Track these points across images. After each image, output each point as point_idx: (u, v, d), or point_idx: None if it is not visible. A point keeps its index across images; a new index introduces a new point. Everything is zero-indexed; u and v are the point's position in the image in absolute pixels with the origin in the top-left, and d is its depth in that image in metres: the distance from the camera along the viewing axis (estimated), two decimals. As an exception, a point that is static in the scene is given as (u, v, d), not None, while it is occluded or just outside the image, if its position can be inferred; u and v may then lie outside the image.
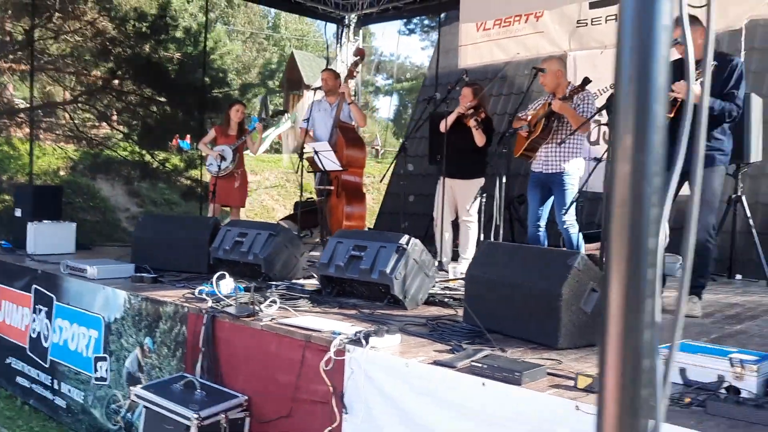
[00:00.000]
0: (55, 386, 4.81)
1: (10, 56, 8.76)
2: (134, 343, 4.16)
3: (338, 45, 10.11)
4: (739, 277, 6.29)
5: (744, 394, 2.26)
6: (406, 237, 3.94)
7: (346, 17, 9.97)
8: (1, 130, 11.05)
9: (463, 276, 3.95)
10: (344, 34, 10.04)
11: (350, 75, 6.56)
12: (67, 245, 6.10)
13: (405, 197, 9.56)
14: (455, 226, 6.03)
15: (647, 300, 0.44)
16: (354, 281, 4.06)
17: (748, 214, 5.90)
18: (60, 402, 4.75)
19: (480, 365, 2.54)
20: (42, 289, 5.02)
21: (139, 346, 4.12)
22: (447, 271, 5.36)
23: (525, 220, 5.88)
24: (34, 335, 5.08)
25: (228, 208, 7.09)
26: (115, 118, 10.71)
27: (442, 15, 10.55)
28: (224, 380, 3.56)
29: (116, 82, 9.28)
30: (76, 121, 10.22)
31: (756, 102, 5.90)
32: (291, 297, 4.02)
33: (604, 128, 7.53)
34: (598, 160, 4.53)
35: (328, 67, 7.60)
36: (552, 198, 5.32)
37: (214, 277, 3.85)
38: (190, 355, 3.75)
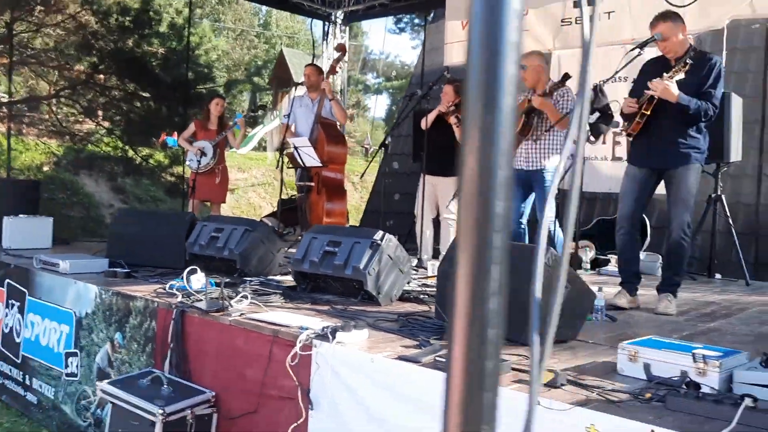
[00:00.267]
0: (27, 382, 4.75)
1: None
2: (105, 339, 4.11)
3: (324, 42, 10.07)
4: (718, 276, 6.29)
5: (706, 390, 2.25)
6: (380, 233, 3.91)
7: (333, 14, 9.94)
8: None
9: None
10: (330, 30, 10.00)
11: (332, 71, 6.52)
12: (43, 240, 6.03)
13: (390, 195, 9.54)
14: (437, 223, 6.01)
15: (493, 267, 0.42)
16: (328, 277, 4.03)
17: (728, 214, 5.90)
18: (31, 398, 4.69)
19: (443, 360, 2.51)
20: (14, 284, 4.96)
21: (109, 341, 4.07)
22: (426, 269, 5.33)
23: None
24: (6, 330, 5.02)
25: (209, 204, 7.03)
26: (100, 113, 10.63)
27: (431, 14, 10.54)
28: (192, 376, 3.52)
29: (100, 76, 9.20)
30: (59, 116, 10.14)
31: (736, 101, 5.90)
32: (264, 293, 3.98)
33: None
34: (574, 158, 4.50)
35: (312, 63, 7.55)
36: (533, 195, 5.31)
37: (185, 272, 3.81)
38: (160, 350, 3.70)
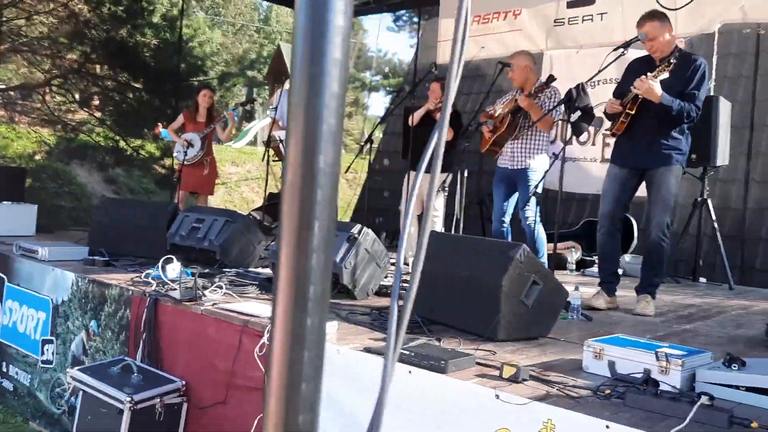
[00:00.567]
0: (4, 369, 4.73)
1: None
2: (80, 326, 4.10)
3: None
4: (703, 280, 6.30)
5: (667, 388, 2.24)
6: (358, 226, 3.90)
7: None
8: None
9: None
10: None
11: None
12: (27, 227, 6.02)
13: (380, 192, 9.53)
14: (421, 220, 6.00)
15: (313, 255, 0.41)
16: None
17: (713, 217, 5.90)
18: (7, 385, 4.68)
19: (408, 353, 2.50)
20: (-6, 270, 4.94)
21: (84, 329, 4.06)
22: (408, 264, 5.32)
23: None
24: (-17, 317, 5.00)
25: (196, 195, 7.02)
26: (96, 103, 10.60)
27: (425, 15, 10.53)
28: (164, 365, 3.51)
29: (92, 66, 9.17)
30: (50, 105, 10.11)
31: (724, 105, 5.90)
32: (241, 284, 3.97)
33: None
34: (556, 157, 4.50)
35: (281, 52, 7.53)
36: (517, 194, 5.31)
37: (160, 261, 3.80)
38: (133, 338, 3.69)
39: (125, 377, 3.32)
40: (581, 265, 6.57)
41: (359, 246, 3.82)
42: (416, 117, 5.61)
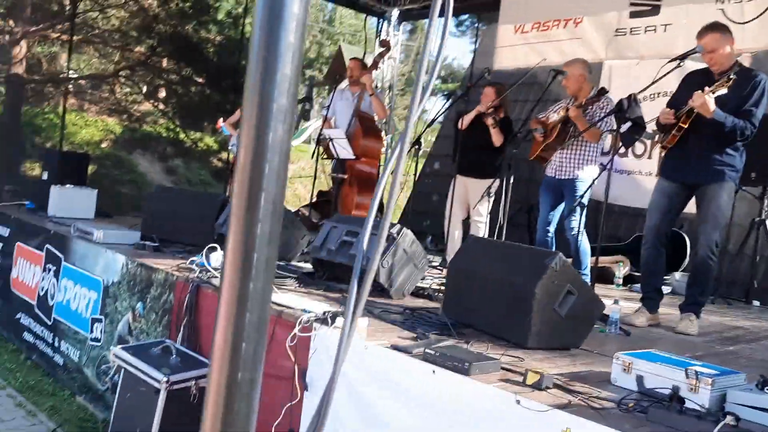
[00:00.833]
0: (56, 344, 4.96)
1: (58, 27, 9.06)
2: (127, 307, 4.26)
3: (378, 39, 10.13)
4: (756, 303, 6.08)
5: (695, 407, 2.19)
6: (397, 226, 3.93)
7: (388, 11, 9.99)
8: (48, 99, 11.44)
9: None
10: (384, 28, 10.06)
11: (374, 66, 6.57)
12: (86, 211, 6.28)
13: (429, 196, 9.54)
14: (467, 225, 5.99)
15: (259, 224, 0.44)
16: (344, 266, 4.07)
17: (771, 239, 5.70)
18: (58, 359, 4.90)
19: (433, 353, 2.52)
20: (53, 249, 5.18)
21: (131, 310, 4.22)
22: (442, 269, 5.33)
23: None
24: (42, 293, 5.25)
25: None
26: (162, 95, 10.96)
27: (485, 21, 10.49)
28: (203, 349, 3.62)
29: (158, 59, 9.50)
30: (118, 96, 10.51)
31: (788, 123, 5.68)
32: (280, 276, 4.05)
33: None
34: (603, 167, 4.43)
35: (356, 57, 7.62)
36: (563, 204, 5.25)
37: (204, 249, 3.92)
38: (175, 322, 3.82)
39: (164, 358, 3.44)
40: (629, 280, 6.43)
41: (397, 246, 3.85)
42: (465, 120, 5.61)
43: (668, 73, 4.10)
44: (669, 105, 4.11)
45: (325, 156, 6.34)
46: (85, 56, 10.53)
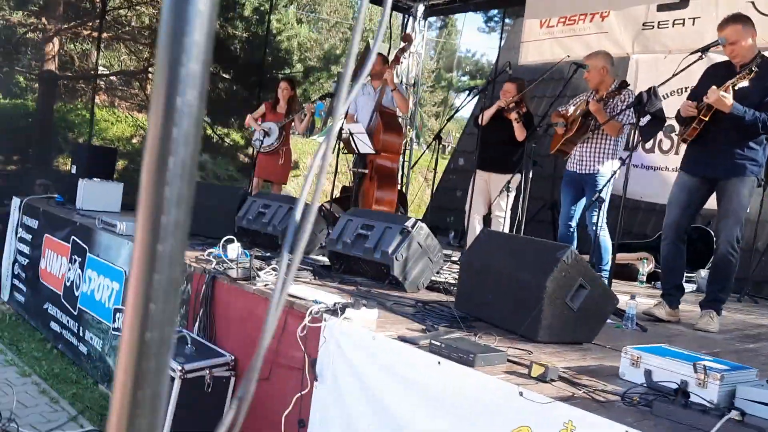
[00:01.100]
0: (81, 333, 5.07)
1: (89, 24, 9.24)
2: (147, 298, 4.33)
3: (403, 34, 10.11)
4: (786, 303, 5.94)
5: (703, 402, 2.16)
6: (412, 220, 3.94)
7: (414, 7, 9.97)
8: (80, 95, 11.67)
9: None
10: (409, 23, 10.04)
11: (396, 61, 6.56)
12: (113, 204, 6.39)
13: (453, 191, 9.52)
14: (488, 221, 5.97)
15: (167, 187, 0.45)
16: (359, 259, 4.09)
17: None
18: (83, 348, 5.01)
19: (438, 344, 2.52)
20: (79, 241, 5.30)
21: (151, 300, 4.29)
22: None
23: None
24: (68, 284, 5.37)
25: (270, 184, 7.24)
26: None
27: (512, 15, 10.41)
28: (218, 339, 3.67)
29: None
30: (147, 92, 10.68)
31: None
32: (297, 268, 4.08)
33: (660, 136, 7.26)
34: (623, 162, 4.36)
35: (378, 52, 7.62)
36: (585, 198, 5.19)
37: (221, 242, 3.97)
38: (192, 312, 3.88)
39: (180, 347, 3.50)
40: (653, 277, 6.33)
41: (412, 239, 3.85)
42: (486, 116, 5.58)
43: (690, 65, 4.03)
44: (690, 97, 4.03)
45: (346, 151, 6.36)
46: (115, 53, 10.73)
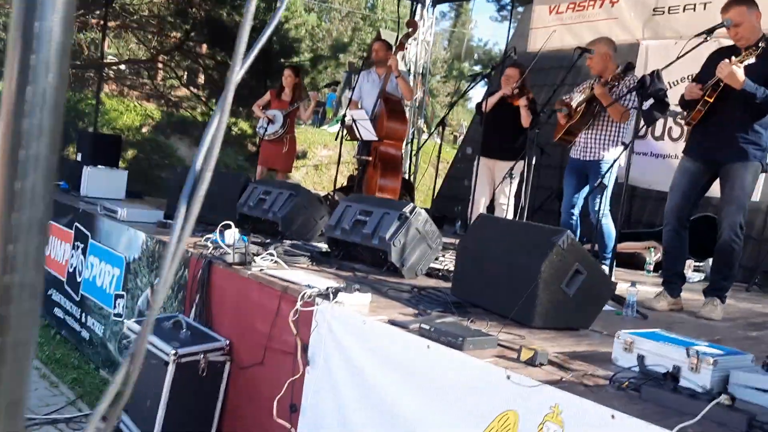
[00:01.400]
0: (83, 319, 5.09)
1: (97, 12, 9.25)
2: (147, 283, 4.34)
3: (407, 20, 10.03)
4: (798, 292, 5.84)
5: (696, 387, 2.11)
6: (411, 205, 3.90)
7: (422, -5, 9.90)
8: (90, 84, 11.70)
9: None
10: (418, 11, 9.97)
11: (400, 47, 6.51)
12: (117, 191, 6.42)
13: (461, 180, 9.46)
14: (491, 208, 5.91)
15: (25, 119, 0.43)
16: (357, 245, 4.06)
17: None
18: (85, 334, 5.03)
19: (428, 328, 2.49)
20: (81, 227, 5.31)
21: (150, 286, 4.30)
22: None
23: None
24: (71, 270, 5.39)
25: (275, 172, 7.23)
26: (201, 81, 11.11)
27: (521, 3, 10.29)
28: (213, 324, 3.66)
29: (193, 44, 9.63)
30: (155, 81, 10.70)
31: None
32: (294, 254, 4.06)
33: (670, 124, 7.16)
34: (626, 147, 4.29)
35: (381, 38, 7.56)
36: (588, 186, 5.12)
37: (218, 227, 3.95)
38: (189, 297, 3.87)
39: (175, 332, 3.49)
40: (660, 266, 6.25)
41: (410, 225, 3.81)
42: (490, 102, 5.52)
43: (693, 48, 3.95)
44: (695, 80, 3.96)
45: (349, 138, 6.33)
46: (124, 42, 10.75)
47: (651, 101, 4.12)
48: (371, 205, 4.05)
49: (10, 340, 0.44)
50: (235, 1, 9.29)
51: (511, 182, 5.27)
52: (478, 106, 5.84)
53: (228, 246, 3.86)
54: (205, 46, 10.25)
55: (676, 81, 6.84)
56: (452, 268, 4.37)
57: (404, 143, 6.36)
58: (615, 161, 4.41)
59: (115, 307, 4.67)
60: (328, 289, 2.98)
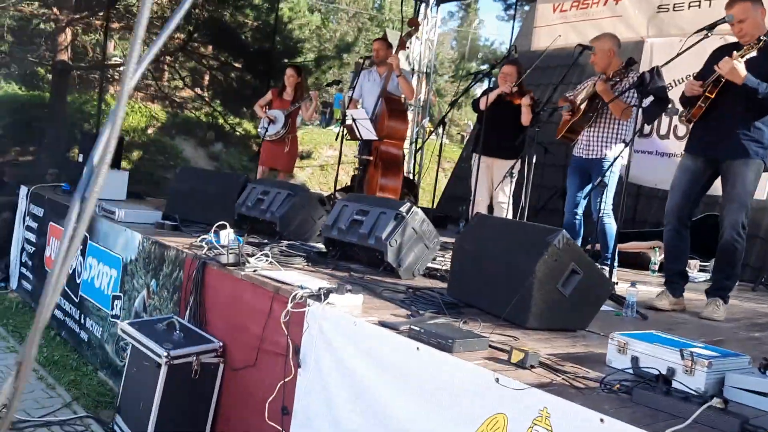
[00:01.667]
0: (82, 320, 5.08)
1: (100, 14, 9.26)
2: (143, 285, 4.31)
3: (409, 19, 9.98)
4: (804, 292, 5.75)
5: (689, 390, 2.05)
6: (407, 205, 3.85)
7: (426, -6, 9.85)
8: (95, 86, 11.72)
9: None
10: (422, 10, 9.91)
11: (401, 46, 6.46)
12: (118, 192, 6.38)
13: (467, 180, 9.40)
14: (491, 209, 5.86)
15: None
16: (354, 245, 4.02)
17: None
18: (84, 336, 5.01)
19: (418, 330, 2.44)
20: (80, 228, 5.29)
21: (146, 287, 4.27)
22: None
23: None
24: (70, 271, 5.37)
25: (276, 172, 7.19)
26: (206, 82, 11.10)
27: (525, 3, 10.21)
28: (208, 326, 3.63)
29: (197, 45, 9.63)
30: (159, 82, 10.70)
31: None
32: (290, 254, 4.03)
33: (675, 122, 7.08)
34: (626, 144, 4.22)
35: (381, 37, 7.51)
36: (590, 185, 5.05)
37: (213, 227, 3.92)
38: (184, 299, 3.84)
39: (168, 334, 3.47)
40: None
41: (406, 225, 3.77)
42: (489, 99, 5.46)
43: (694, 45, 3.88)
44: (696, 78, 3.89)
45: (349, 138, 6.29)
46: (127, 43, 10.76)
47: (651, 98, 4.05)
48: (368, 205, 4.01)
49: None
50: (237, 1, 9.28)
51: (511, 181, 5.21)
52: (475, 103, 5.78)
53: (222, 246, 3.83)
54: (210, 47, 10.25)
55: (681, 79, 6.76)
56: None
57: (408, 142, 6.29)
58: (615, 159, 4.35)
59: (112, 308, 4.64)
60: (319, 290, 2.94)
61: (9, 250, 6.89)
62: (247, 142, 10.73)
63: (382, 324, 2.62)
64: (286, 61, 8.78)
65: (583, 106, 4.92)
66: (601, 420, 1.84)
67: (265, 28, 9.56)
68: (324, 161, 15.51)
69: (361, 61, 6.48)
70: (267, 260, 3.64)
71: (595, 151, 4.95)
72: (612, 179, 4.85)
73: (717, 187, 4.00)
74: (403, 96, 6.32)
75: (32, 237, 6.35)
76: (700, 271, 6.09)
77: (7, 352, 4.80)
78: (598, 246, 4.89)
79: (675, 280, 3.91)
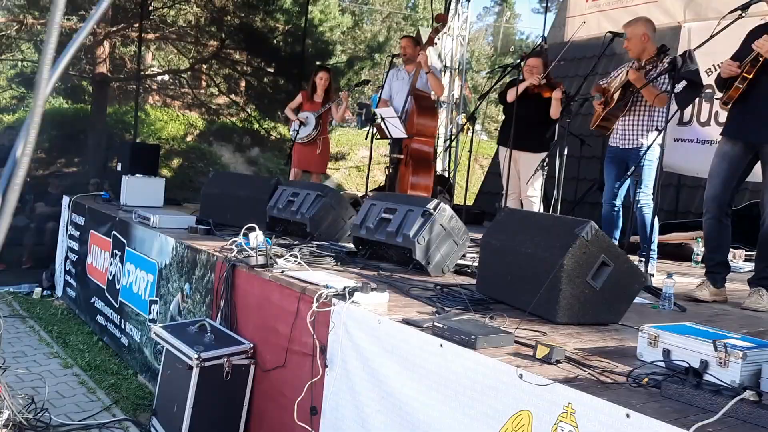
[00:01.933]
0: (122, 325, 5.18)
1: (136, 26, 9.44)
2: (177, 289, 4.37)
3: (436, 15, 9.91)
4: None
5: (724, 383, 1.97)
6: (435, 201, 3.81)
7: (455, -11, 9.77)
8: (134, 96, 11.96)
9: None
10: (452, 6, 9.84)
11: (429, 42, 6.41)
12: (155, 199, 6.50)
13: (495, 176, 9.28)
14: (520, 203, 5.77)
15: None
16: (383, 244, 4.00)
17: None
18: (124, 340, 5.11)
19: (441, 326, 2.40)
20: (118, 235, 5.41)
21: (180, 291, 4.33)
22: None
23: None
24: (110, 277, 5.49)
25: (309, 174, 7.22)
26: (242, 87, 11.23)
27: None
28: (238, 328, 3.65)
29: (229, 52, 9.75)
30: (196, 90, 10.86)
31: None
32: (319, 255, 4.02)
33: (717, 108, 6.85)
34: (659, 131, 4.09)
35: (409, 34, 7.47)
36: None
37: (242, 229, 3.94)
38: (215, 301, 3.88)
39: (199, 336, 3.50)
40: (709, 256, 5.97)
41: (434, 222, 3.73)
42: (514, 93, 5.37)
43: (728, 26, 3.74)
44: (733, 58, 3.75)
45: (379, 137, 6.26)
46: (164, 53, 10.96)
47: (683, 83, 3.92)
48: (395, 203, 3.98)
49: None
50: (267, 6, 9.35)
51: (543, 175, 5.11)
52: (502, 95, 5.69)
53: (252, 249, 3.85)
54: (238, 53, 10.36)
55: (720, 64, 6.54)
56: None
57: (441, 139, 6.24)
58: (649, 147, 4.22)
59: (150, 312, 4.72)
60: (344, 289, 2.92)
61: (54, 258, 7.08)
62: (282, 145, 10.80)
63: (406, 322, 2.59)
64: (318, 63, 8.81)
65: (616, 95, 4.80)
66: (627, 415, 1.78)
67: (296, 31, 9.61)
68: (360, 162, 15.53)
69: (390, 59, 6.43)
70: (295, 261, 3.64)
71: (630, 140, 4.82)
72: (649, 168, 4.71)
73: (758, 173, 3.85)
74: (432, 93, 6.26)
75: (75, 245, 6.51)
76: (746, 260, 5.88)
77: (50, 358, 4.92)
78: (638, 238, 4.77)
79: (716, 270, 3.78)
